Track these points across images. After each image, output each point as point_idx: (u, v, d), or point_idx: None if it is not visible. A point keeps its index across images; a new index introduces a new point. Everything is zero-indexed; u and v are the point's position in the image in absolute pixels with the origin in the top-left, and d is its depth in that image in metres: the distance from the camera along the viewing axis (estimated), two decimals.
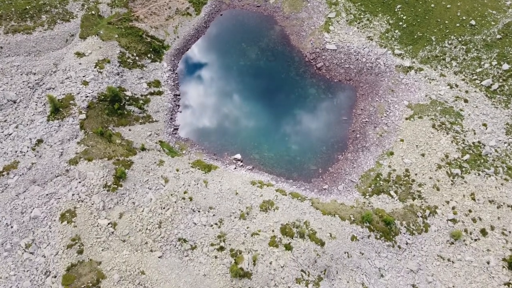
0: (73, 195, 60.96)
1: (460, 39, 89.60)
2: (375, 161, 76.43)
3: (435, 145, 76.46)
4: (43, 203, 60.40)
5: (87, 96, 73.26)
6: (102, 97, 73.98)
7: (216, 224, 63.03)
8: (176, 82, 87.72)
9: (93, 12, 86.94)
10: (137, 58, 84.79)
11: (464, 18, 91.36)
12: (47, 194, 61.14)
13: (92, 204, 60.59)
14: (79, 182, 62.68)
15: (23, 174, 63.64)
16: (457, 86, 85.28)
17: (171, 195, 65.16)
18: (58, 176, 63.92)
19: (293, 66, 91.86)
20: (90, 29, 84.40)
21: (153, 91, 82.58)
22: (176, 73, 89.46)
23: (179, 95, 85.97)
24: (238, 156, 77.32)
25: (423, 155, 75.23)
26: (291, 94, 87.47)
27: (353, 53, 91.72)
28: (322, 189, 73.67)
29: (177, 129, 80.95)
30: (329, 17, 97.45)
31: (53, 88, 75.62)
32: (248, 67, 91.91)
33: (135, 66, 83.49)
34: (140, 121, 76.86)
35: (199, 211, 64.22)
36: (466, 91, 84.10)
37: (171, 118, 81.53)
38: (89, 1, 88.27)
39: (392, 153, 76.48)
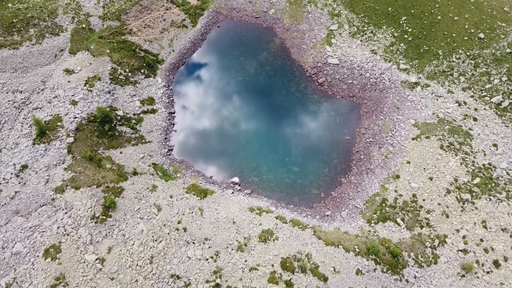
0: (58, 228, 56.85)
1: (468, 53, 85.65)
2: (380, 185, 72.42)
3: (444, 167, 72.53)
4: (26, 237, 56.28)
5: (75, 117, 69.13)
6: (92, 118, 69.86)
7: (211, 257, 58.97)
8: (171, 99, 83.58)
9: (83, 25, 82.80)
10: (129, 74, 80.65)
11: (472, 31, 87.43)
12: (30, 227, 57.02)
13: (79, 238, 56.49)
14: (65, 213, 58.58)
15: (5, 204, 59.46)
16: (465, 103, 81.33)
17: (164, 225, 61.10)
18: (43, 205, 59.83)
19: (294, 81, 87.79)
20: (80, 44, 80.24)
21: (146, 110, 78.47)
22: (171, 89, 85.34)
23: (174, 113, 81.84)
24: (236, 179, 73.26)
25: (431, 178, 71.28)
26: (292, 112, 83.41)
27: (356, 68, 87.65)
28: (324, 215, 69.66)
29: (171, 149, 76.87)
30: (331, 29, 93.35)
31: (40, 108, 71.50)
32: (246, 82, 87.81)
33: (128, 83, 79.36)
34: (133, 142, 72.76)
35: (193, 243, 60.17)
36: (475, 109, 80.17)
37: (165, 138, 77.45)
38: (79, 14, 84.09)
39: (398, 177, 72.48)
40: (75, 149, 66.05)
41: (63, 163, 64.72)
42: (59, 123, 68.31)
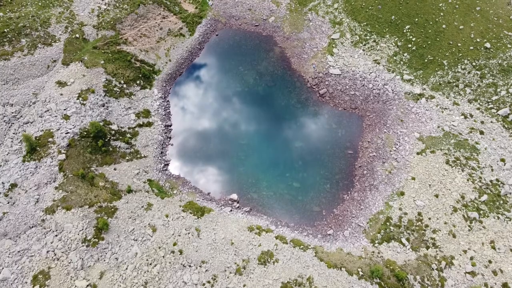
0: (47, 252, 54.19)
1: (474, 63, 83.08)
2: (384, 202, 69.82)
3: (450, 184, 69.96)
4: (14, 262, 53.60)
5: (67, 133, 66.45)
6: (85, 133, 67.20)
7: (208, 282, 56.35)
8: (168, 111, 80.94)
9: (77, 35, 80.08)
10: (124, 85, 78.01)
11: (478, 40, 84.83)
12: (19, 251, 54.34)
13: (69, 263, 53.82)
14: (56, 235, 55.92)
15: None
16: (471, 116, 78.75)
17: (159, 248, 58.49)
18: (32, 227, 57.17)
19: (294, 92, 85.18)
20: (74, 55, 77.57)
21: (142, 123, 75.82)
22: (168, 101, 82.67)
23: (170, 126, 79.19)
24: (234, 196, 70.63)
25: (436, 196, 68.69)
26: (292, 124, 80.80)
27: (359, 79, 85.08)
28: (326, 234, 67.04)
29: (167, 164, 74.24)
30: (332, 38, 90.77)
31: (31, 123, 68.84)
32: (245, 93, 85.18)
33: (123, 95, 76.72)
34: (127, 158, 70.11)
35: (190, 266, 57.54)
36: (482, 122, 77.60)
37: (161, 153, 74.80)
38: (73, 24, 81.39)
39: (402, 193, 69.88)
40: (66, 167, 63.37)
41: (54, 182, 62.04)
42: (50, 139, 65.63)
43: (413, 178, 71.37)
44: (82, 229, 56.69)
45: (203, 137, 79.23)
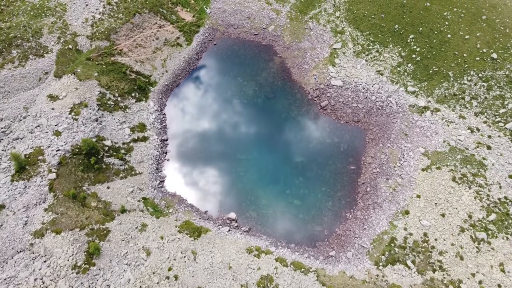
0: (35, 280, 51.49)
1: (480, 74, 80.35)
2: (388, 221, 67.15)
3: (457, 202, 67.32)
4: None
5: (58, 150, 63.74)
6: (77, 150, 64.48)
7: None
8: (164, 124, 78.20)
9: (70, 46, 77.34)
10: (119, 98, 75.28)
11: (484, 50, 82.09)
12: (5, 279, 51.61)
13: None
14: (44, 261, 53.22)
15: None
16: (478, 130, 76.06)
17: (153, 273, 55.81)
18: (20, 252, 54.48)
19: (295, 104, 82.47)
20: (66, 66, 74.84)
21: (137, 137, 73.10)
22: (164, 114, 79.95)
23: (166, 140, 76.48)
24: (233, 215, 67.93)
25: (443, 215, 66.04)
26: (293, 138, 78.10)
27: (362, 90, 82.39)
28: (328, 256, 64.37)
29: (163, 181, 71.52)
30: (334, 48, 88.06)
31: (21, 139, 66.16)
32: (244, 105, 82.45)
33: (117, 109, 74.00)
34: (121, 175, 67.38)
35: None
36: (489, 136, 74.91)
37: (157, 169, 72.09)
38: (66, 34, 78.64)
39: (407, 212, 67.22)
40: (57, 186, 60.66)
41: (43, 202, 59.36)
42: (40, 157, 62.94)
43: (418, 196, 68.71)
44: (72, 255, 53.98)
45: (200, 151, 76.49)
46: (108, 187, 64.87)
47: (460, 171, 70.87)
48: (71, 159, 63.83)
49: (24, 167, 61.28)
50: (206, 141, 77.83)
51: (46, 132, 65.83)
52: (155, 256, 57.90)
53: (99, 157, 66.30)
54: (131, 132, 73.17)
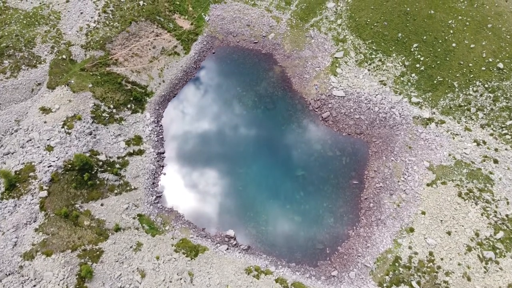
0: None
1: (486, 85, 78.09)
2: (392, 239, 64.86)
3: (463, 219, 65.07)
4: None
5: (50, 166, 61.44)
6: (69, 166, 62.17)
7: None
8: (161, 136, 75.90)
9: (64, 56, 75.03)
10: (114, 110, 72.96)
11: (490, 60, 79.84)
12: None
13: None
14: (34, 285, 51.03)
15: None
16: (484, 143, 73.77)
17: None
18: (9, 275, 52.31)
19: (295, 116, 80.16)
20: (60, 77, 72.56)
21: (132, 151, 70.80)
22: (161, 125, 77.63)
23: (163, 153, 74.15)
24: (231, 232, 65.60)
25: (449, 233, 63.78)
26: (293, 151, 75.79)
27: (364, 101, 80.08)
28: (330, 276, 62.06)
29: (160, 196, 69.21)
30: (335, 57, 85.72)
31: (12, 153, 63.84)
32: (244, 116, 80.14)
33: (112, 121, 71.70)
34: (116, 191, 65.08)
35: None
36: (496, 149, 72.65)
37: (153, 183, 69.79)
38: (59, 43, 76.34)
39: (412, 230, 64.94)
40: (48, 205, 58.36)
41: (34, 222, 57.09)
42: (31, 173, 60.66)
43: (423, 213, 66.41)
44: (63, 278, 51.69)
45: (198, 165, 74.18)
46: (102, 204, 62.55)
47: (466, 186, 68.63)
48: (63, 176, 61.50)
49: (14, 185, 59.00)
50: (204, 154, 75.49)
51: (38, 147, 63.52)
52: (150, 278, 55.62)
53: (93, 172, 63.99)
54: (127, 146, 70.88)
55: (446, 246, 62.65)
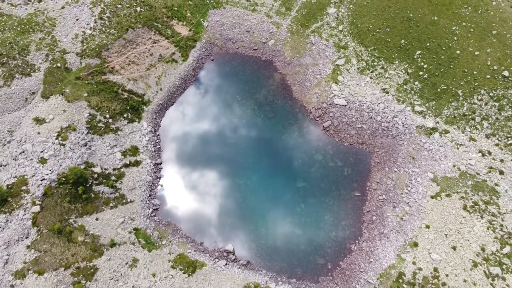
0: None
1: (491, 94, 76.30)
2: (395, 254, 63.06)
3: (468, 233, 63.30)
4: None
5: (43, 179, 59.62)
6: (63, 179, 60.33)
7: None
8: (158, 147, 74.06)
9: (59, 64, 73.19)
10: (110, 120, 71.13)
11: (495, 68, 78.04)
12: None
13: None
14: None
15: None
16: (490, 153, 72.00)
17: None
18: None
19: (296, 125, 78.34)
20: (54, 86, 70.73)
21: (128, 162, 68.96)
22: (158, 135, 75.79)
23: (160, 164, 72.35)
24: (230, 247, 63.76)
25: (454, 248, 61.98)
26: (294, 161, 73.96)
27: (366, 110, 78.25)
28: None
29: (157, 209, 67.38)
30: (337, 64, 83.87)
31: (4, 166, 61.89)
32: (243, 125, 78.31)
33: (108, 131, 69.85)
34: (111, 204, 63.25)
35: None
36: (501, 160, 70.90)
37: (150, 195, 67.96)
38: (54, 51, 74.46)
39: (416, 244, 63.12)
40: (41, 220, 56.53)
41: (26, 238, 55.28)
42: (24, 187, 58.80)
43: (428, 227, 64.62)
44: None
45: (196, 175, 72.38)
46: (96, 219, 60.71)
47: (471, 199, 66.84)
48: (57, 189, 59.66)
49: (6, 199, 57.12)
50: (202, 164, 73.67)
51: (31, 159, 61.68)
52: None
53: (88, 185, 62.17)
54: (123, 157, 69.03)
55: (451, 261, 60.85)
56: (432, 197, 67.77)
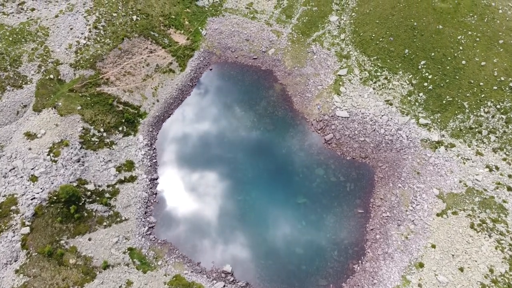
0: None
1: (498, 106, 73.92)
2: (400, 275, 60.65)
3: (476, 254, 60.87)
4: None
5: (34, 198, 57.30)
6: (55, 198, 58.00)
7: None
8: (154, 161, 71.68)
9: (51, 75, 70.84)
10: (104, 134, 68.78)
11: (502, 79, 75.64)
12: None
13: None
14: None
15: None
16: (497, 168, 69.60)
17: None
18: None
19: (296, 138, 75.96)
20: (47, 99, 68.40)
21: (123, 178, 66.60)
22: (155, 149, 73.42)
23: (156, 179, 69.96)
24: (228, 268, 61.37)
25: (461, 269, 59.56)
26: (294, 176, 71.56)
27: (369, 122, 75.88)
28: None
29: (152, 227, 64.98)
30: (339, 75, 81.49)
31: None
32: (242, 138, 75.96)
33: (102, 146, 67.50)
34: (105, 223, 60.91)
35: None
36: (509, 176, 68.53)
37: (145, 213, 65.58)
38: (47, 62, 72.11)
39: (422, 265, 60.73)
40: (31, 243, 54.19)
41: (15, 262, 52.97)
42: (13, 207, 56.51)
43: (433, 246, 62.23)
44: None
45: (193, 192, 69.99)
46: (89, 239, 58.37)
47: (478, 217, 64.41)
48: (48, 209, 57.31)
49: None
50: (200, 179, 71.31)
51: (21, 177, 59.33)
52: None
53: (80, 204, 59.82)
54: (117, 172, 66.65)
55: (458, 284, 58.45)
56: (438, 214, 65.38)
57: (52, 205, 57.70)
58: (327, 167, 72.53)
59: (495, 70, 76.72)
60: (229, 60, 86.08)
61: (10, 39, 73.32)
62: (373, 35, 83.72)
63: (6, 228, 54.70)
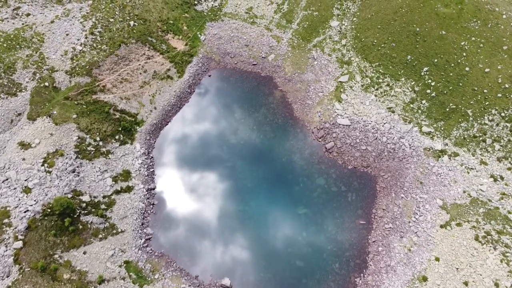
0: None
1: (503, 114, 72.45)
2: None
3: (481, 267, 59.40)
4: None
5: (27, 211, 55.77)
6: (49, 210, 56.47)
7: None
8: (151, 170, 70.19)
9: (46, 83, 69.38)
10: (100, 143, 67.28)
11: (506, 86, 74.15)
12: None
13: None
14: None
15: None
16: (502, 178, 68.14)
17: None
18: None
19: (297, 146, 74.47)
20: (42, 107, 66.92)
21: (120, 188, 65.10)
22: (152, 157, 71.93)
23: (154, 189, 68.47)
24: (227, 281, 59.87)
25: (466, 283, 58.12)
26: (295, 186, 70.09)
27: (371, 130, 74.40)
28: None
29: (149, 239, 63.46)
30: (340, 81, 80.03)
31: None
32: (241, 146, 74.46)
33: (98, 155, 66.00)
34: (100, 235, 59.40)
35: None
36: None
37: (142, 224, 64.08)
38: (42, 69, 70.64)
39: (425, 279, 59.27)
40: (23, 257, 52.64)
41: (7, 277, 51.37)
42: (6, 220, 54.94)
43: (437, 259, 60.75)
44: None
45: (192, 202, 68.48)
46: (84, 252, 56.86)
47: (483, 228, 62.94)
48: (41, 222, 55.76)
49: None
50: (198, 189, 69.81)
51: (15, 189, 57.79)
52: None
53: (75, 216, 58.30)
54: (114, 182, 65.13)
55: None
56: (441, 226, 63.91)
57: (46, 218, 56.16)
58: (328, 177, 71.05)
59: (499, 77, 75.21)
60: (228, 66, 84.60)
61: (5, 45, 71.83)
62: (375, 41, 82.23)
63: None
